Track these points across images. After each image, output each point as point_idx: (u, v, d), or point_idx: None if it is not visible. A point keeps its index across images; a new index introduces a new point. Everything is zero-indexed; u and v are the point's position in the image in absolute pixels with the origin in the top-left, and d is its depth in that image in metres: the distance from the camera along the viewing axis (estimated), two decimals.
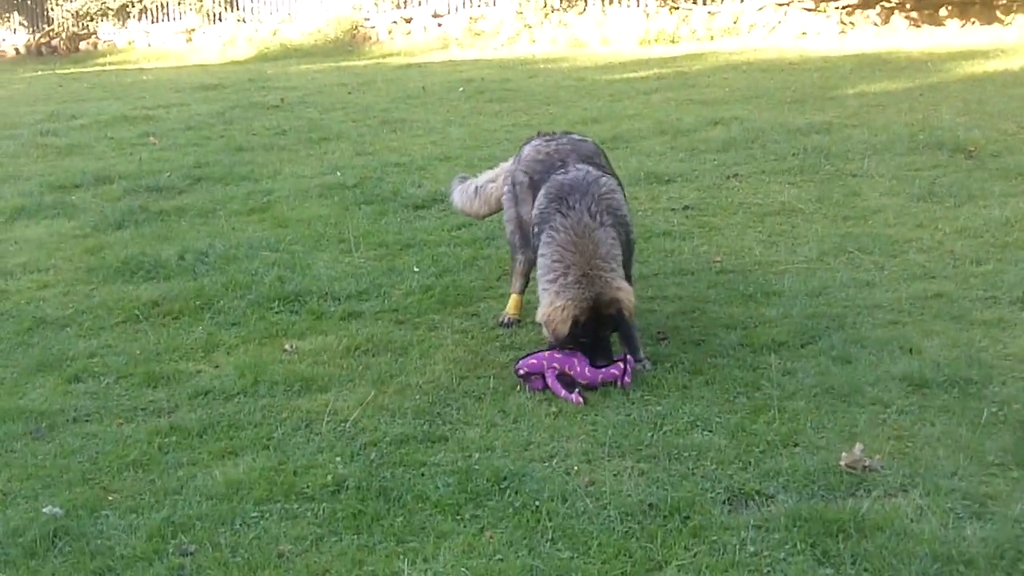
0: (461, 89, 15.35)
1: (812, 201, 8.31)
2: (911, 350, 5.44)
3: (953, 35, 18.35)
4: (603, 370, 5.29)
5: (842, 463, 4.35)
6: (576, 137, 6.35)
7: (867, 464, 4.33)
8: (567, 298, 5.36)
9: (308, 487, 4.47)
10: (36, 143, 13.07)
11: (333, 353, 5.92)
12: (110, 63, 26.25)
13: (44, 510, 4.39)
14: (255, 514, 4.30)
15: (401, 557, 3.93)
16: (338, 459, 4.69)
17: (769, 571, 3.72)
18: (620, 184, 5.82)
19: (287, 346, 6.07)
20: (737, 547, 3.85)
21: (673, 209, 8.32)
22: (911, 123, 10.79)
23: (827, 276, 6.61)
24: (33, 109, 16.50)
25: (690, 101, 13.16)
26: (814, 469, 4.34)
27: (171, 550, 4.08)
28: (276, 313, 6.60)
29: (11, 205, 9.81)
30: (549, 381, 5.25)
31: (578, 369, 5.29)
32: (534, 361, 5.35)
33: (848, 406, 4.90)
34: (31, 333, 6.56)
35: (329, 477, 4.52)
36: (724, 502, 4.18)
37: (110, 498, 4.50)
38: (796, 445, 4.58)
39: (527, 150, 6.30)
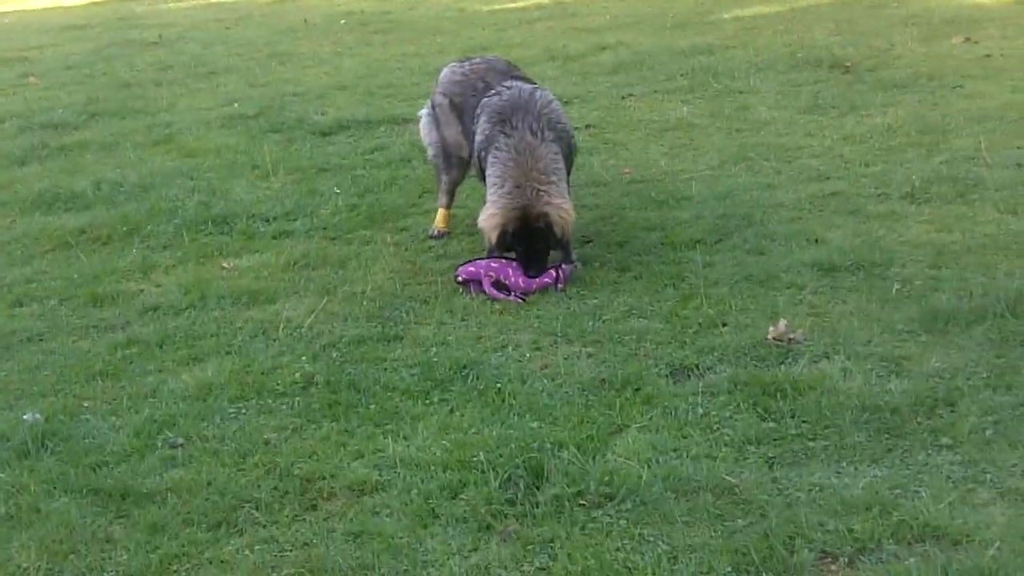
0: (343, 21, 15.48)
1: (706, 116, 8.82)
2: (817, 241, 5.97)
3: None
4: (536, 279, 5.67)
5: (769, 337, 4.85)
6: (490, 57, 6.70)
7: (792, 337, 4.83)
8: (498, 207, 5.73)
9: (279, 385, 4.79)
10: None
11: (273, 268, 6.20)
12: None
13: (25, 417, 4.64)
14: (232, 410, 4.62)
15: (382, 437, 4.30)
16: (302, 359, 5.02)
17: (719, 427, 4.19)
18: None
19: (225, 264, 6.33)
20: (688, 410, 4.31)
21: (577, 128, 8.67)
22: (789, 43, 11.39)
23: (731, 181, 7.11)
24: None
25: (574, 29, 13.55)
26: (745, 344, 4.83)
27: (159, 444, 4.38)
28: (207, 235, 6.83)
29: None
30: (486, 287, 5.62)
31: (512, 279, 5.66)
32: (472, 268, 5.71)
33: (767, 290, 5.41)
34: None
35: (297, 375, 4.85)
36: (668, 375, 4.64)
37: (85, 404, 4.76)
38: (725, 325, 5.06)
39: (444, 73, 6.63)
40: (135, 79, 12.21)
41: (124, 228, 7.00)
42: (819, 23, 12.52)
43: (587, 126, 8.78)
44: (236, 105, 10.36)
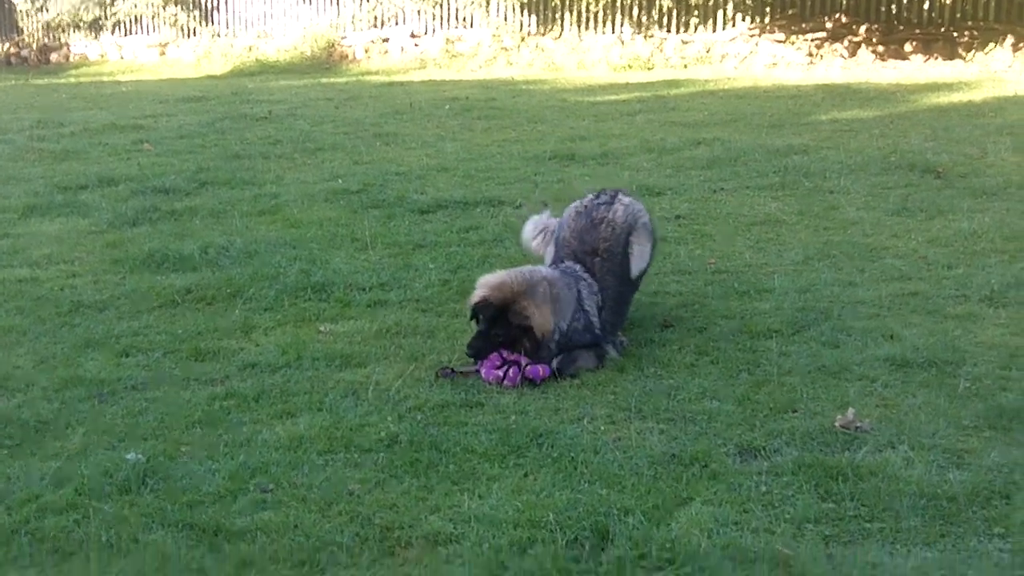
0: (448, 107, 16.08)
1: (794, 213, 9.10)
2: (892, 337, 6.19)
3: (917, 69, 19.29)
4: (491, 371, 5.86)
5: (836, 424, 5.08)
6: (613, 211, 6.65)
7: (859, 425, 5.06)
8: (501, 277, 6.05)
9: (365, 441, 5.12)
10: (31, 148, 13.59)
11: (366, 335, 6.58)
12: (83, 75, 26.71)
13: (127, 456, 5.01)
14: (320, 462, 4.95)
15: (459, 494, 4.60)
16: (388, 419, 5.35)
17: (780, 505, 4.42)
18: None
19: (322, 328, 6.72)
20: (751, 488, 4.55)
21: (667, 218, 9.04)
22: (882, 147, 11.65)
23: (813, 276, 7.36)
24: (17, 116, 16.97)
25: (672, 123, 13.96)
26: (812, 429, 5.07)
27: (251, 488, 4.72)
28: (306, 301, 7.24)
29: (22, 203, 10.35)
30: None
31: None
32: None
33: (839, 381, 5.65)
34: (72, 315, 7.14)
35: (383, 433, 5.18)
36: (736, 454, 4.89)
37: (183, 449, 5.13)
38: (795, 411, 5.30)
39: (568, 210, 6.78)
40: (245, 151, 12.83)
41: (228, 290, 7.44)
42: (915, 129, 12.77)
43: (677, 217, 9.11)
44: (340, 181, 10.87)
